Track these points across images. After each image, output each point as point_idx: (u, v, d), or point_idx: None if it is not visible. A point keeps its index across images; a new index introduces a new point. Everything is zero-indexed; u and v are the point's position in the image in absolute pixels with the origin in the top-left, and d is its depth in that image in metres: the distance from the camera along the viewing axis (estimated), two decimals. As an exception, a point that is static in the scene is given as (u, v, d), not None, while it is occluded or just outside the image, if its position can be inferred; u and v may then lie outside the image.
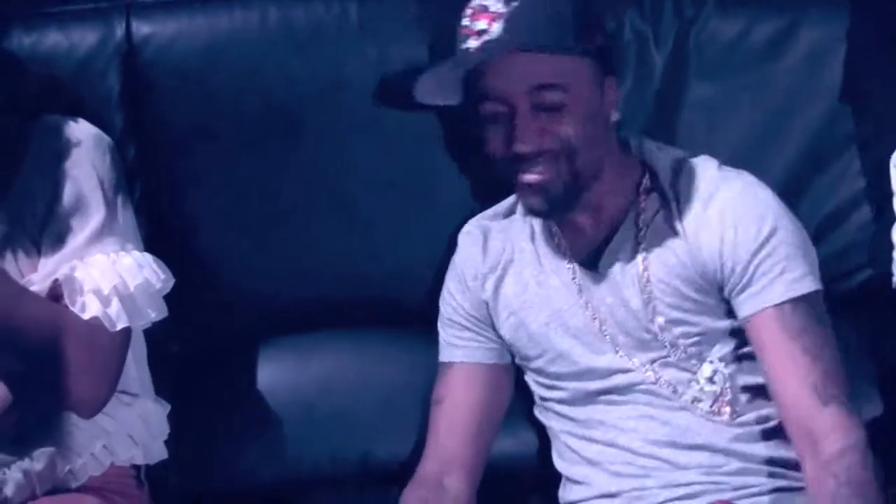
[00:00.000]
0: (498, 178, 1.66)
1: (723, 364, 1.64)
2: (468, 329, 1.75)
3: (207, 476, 1.89)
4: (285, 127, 1.86)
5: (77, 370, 1.57)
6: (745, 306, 1.60)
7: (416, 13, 1.85)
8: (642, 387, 1.65)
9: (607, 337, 1.66)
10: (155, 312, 1.62)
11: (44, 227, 1.60)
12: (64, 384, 1.58)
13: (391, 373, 1.93)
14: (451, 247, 1.83)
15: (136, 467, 1.73)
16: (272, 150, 1.87)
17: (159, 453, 1.75)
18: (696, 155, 1.71)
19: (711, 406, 1.64)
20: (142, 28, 1.84)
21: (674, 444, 1.63)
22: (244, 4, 1.86)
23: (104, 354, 1.59)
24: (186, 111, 1.85)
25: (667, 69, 1.87)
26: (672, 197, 1.64)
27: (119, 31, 1.83)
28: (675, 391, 1.64)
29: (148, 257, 1.64)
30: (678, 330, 1.63)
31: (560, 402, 1.70)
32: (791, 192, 1.82)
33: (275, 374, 1.94)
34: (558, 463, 1.73)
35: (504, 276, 1.73)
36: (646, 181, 1.66)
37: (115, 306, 1.57)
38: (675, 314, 1.63)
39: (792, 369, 1.56)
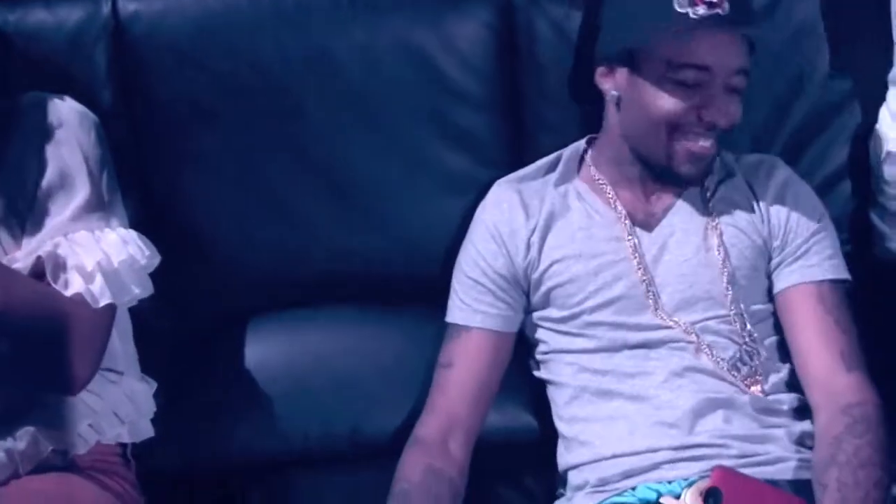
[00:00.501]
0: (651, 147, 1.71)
1: (763, 342, 1.70)
2: (491, 293, 1.76)
3: (196, 453, 1.87)
4: (278, 103, 1.85)
5: (60, 347, 1.55)
6: (792, 277, 1.71)
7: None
8: (680, 344, 1.68)
9: (655, 293, 1.70)
10: (140, 289, 1.61)
11: (31, 205, 1.59)
12: (47, 361, 1.57)
13: (381, 348, 1.92)
14: (449, 220, 1.86)
15: (123, 445, 1.73)
16: (264, 126, 1.86)
17: (146, 431, 1.74)
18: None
19: (746, 379, 1.67)
20: (128, 5, 1.83)
21: (699, 404, 1.64)
22: (234, -20, 1.85)
23: (88, 331, 1.58)
24: (177, 88, 1.84)
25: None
26: (738, 170, 1.77)
27: (105, 8, 1.82)
28: (712, 355, 1.67)
29: (133, 234, 1.63)
30: (738, 293, 1.70)
31: (587, 352, 1.71)
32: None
33: (265, 350, 1.92)
34: (560, 424, 1.74)
35: (549, 229, 1.76)
36: None
37: (98, 283, 1.56)
38: (740, 277, 1.71)
39: (822, 336, 1.66)
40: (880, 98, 1.83)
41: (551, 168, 1.82)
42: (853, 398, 1.61)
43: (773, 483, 1.55)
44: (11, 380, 1.59)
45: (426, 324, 1.86)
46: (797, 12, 1.88)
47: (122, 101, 1.83)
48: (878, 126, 1.84)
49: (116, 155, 1.70)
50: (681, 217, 1.74)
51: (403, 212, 1.91)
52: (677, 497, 1.55)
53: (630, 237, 1.73)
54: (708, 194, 1.76)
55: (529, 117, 1.90)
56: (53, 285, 1.55)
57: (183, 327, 1.95)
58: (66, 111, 1.64)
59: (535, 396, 1.83)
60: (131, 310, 1.72)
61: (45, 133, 1.61)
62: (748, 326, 1.69)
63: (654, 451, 1.62)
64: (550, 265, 1.74)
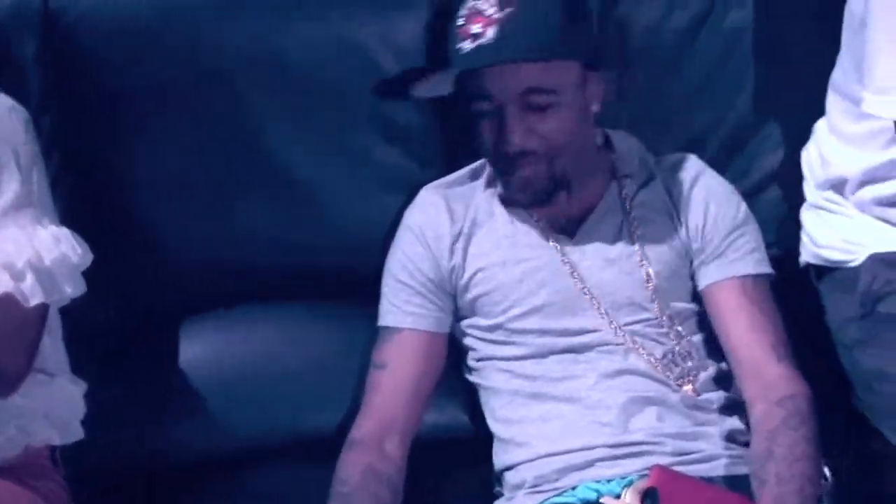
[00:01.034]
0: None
1: (693, 341, 1.73)
2: (421, 294, 1.77)
3: (128, 455, 1.85)
4: (215, 94, 1.84)
5: (-10, 348, 1.53)
6: (714, 273, 1.73)
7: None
8: (608, 347, 1.70)
9: (585, 297, 1.72)
10: (72, 288, 1.58)
11: None
12: (-24, 363, 1.53)
13: (320, 344, 1.92)
14: (387, 216, 1.86)
15: (52, 448, 1.69)
16: (202, 118, 1.85)
17: (76, 433, 1.70)
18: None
19: (678, 379, 1.70)
20: (58, -8, 1.80)
21: (631, 403, 1.66)
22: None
23: (18, 331, 1.54)
24: (111, 80, 1.81)
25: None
26: (658, 173, 1.79)
27: (35, -4, 1.79)
28: (644, 355, 1.70)
29: (65, 231, 1.60)
30: (662, 293, 1.72)
31: (516, 358, 1.73)
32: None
33: (201, 347, 1.91)
34: (496, 426, 1.75)
35: (472, 236, 1.78)
36: (621, 164, 1.79)
37: (29, 281, 1.53)
38: (663, 280, 1.73)
39: (751, 329, 1.69)
40: (815, 101, 1.85)
41: (476, 175, 1.84)
42: (786, 390, 1.64)
43: (708, 480, 1.58)
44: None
45: (364, 319, 1.84)
46: (730, 19, 1.91)
47: (51, 89, 1.80)
48: (814, 133, 1.87)
49: (46, 146, 1.67)
50: (600, 223, 1.76)
51: (341, 207, 1.91)
52: (617, 497, 1.56)
53: (553, 243, 1.75)
54: (626, 199, 1.77)
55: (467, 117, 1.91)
56: None
57: (117, 324, 1.93)
58: (-5, 105, 1.60)
59: (470, 395, 1.83)
60: (62, 306, 1.69)
61: None
62: (676, 327, 1.72)
63: (590, 448, 1.64)
64: (475, 273, 1.76)
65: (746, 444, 1.66)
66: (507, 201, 1.76)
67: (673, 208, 1.77)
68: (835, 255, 1.80)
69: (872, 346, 1.72)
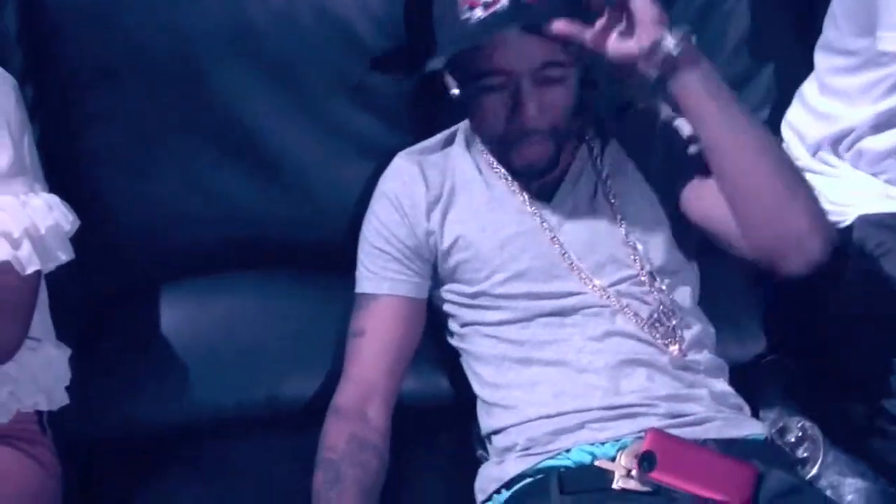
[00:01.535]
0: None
1: (675, 299, 1.74)
2: (397, 260, 1.77)
3: (110, 421, 1.85)
4: (191, 69, 1.82)
5: (-12, 315, 1.51)
6: (687, 175, 1.69)
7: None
8: (594, 310, 1.70)
9: (566, 259, 1.72)
10: (65, 255, 1.58)
11: None
12: (-27, 331, 1.52)
13: (295, 313, 1.92)
14: (361, 185, 1.85)
15: (39, 413, 1.69)
16: (177, 92, 1.83)
17: (61, 399, 1.71)
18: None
19: (664, 339, 1.70)
20: (39, -34, 1.77)
21: (620, 365, 1.67)
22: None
23: (16, 298, 1.54)
24: (89, 52, 1.79)
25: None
26: (617, 128, 1.79)
27: (16, -31, 1.76)
28: (630, 315, 1.70)
29: (56, 198, 1.60)
30: (642, 251, 1.72)
31: (501, 323, 1.73)
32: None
33: (178, 316, 1.90)
34: (483, 391, 1.75)
35: (451, 203, 1.77)
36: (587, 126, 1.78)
37: (26, 249, 1.52)
38: (641, 235, 1.73)
39: None
40: (792, 68, 1.91)
41: (448, 142, 1.84)
42: None
43: (700, 443, 1.59)
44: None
45: (336, 289, 1.85)
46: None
47: (31, 62, 1.77)
48: (800, 96, 1.93)
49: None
50: (575, 185, 1.77)
51: (315, 176, 1.91)
52: (612, 460, 1.58)
53: (532, 209, 1.75)
54: (596, 158, 1.78)
55: (442, 86, 1.91)
56: None
57: (91, 295, 1.92)
58: (-17, 74, 1.58)
59: (450, 360, 1.85)
60: (44, 274, 1.68)
61: None
62: (657, 283, 1.72)
63: (582, 411, 1.65)
64: (455, 240, 1.76)
65: (736, 407, 1.70)
66: (515, 172, 1.75)
67: (638, 157, 1.76)
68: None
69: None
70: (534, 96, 1.62)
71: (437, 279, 1.80)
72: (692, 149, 1.68)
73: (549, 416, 1.66)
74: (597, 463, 1.59)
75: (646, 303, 1.72)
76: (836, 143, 1.86)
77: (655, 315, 1.71)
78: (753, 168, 1.57)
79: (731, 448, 1.60)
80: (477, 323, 1.77)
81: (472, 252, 1.75)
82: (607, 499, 1.56)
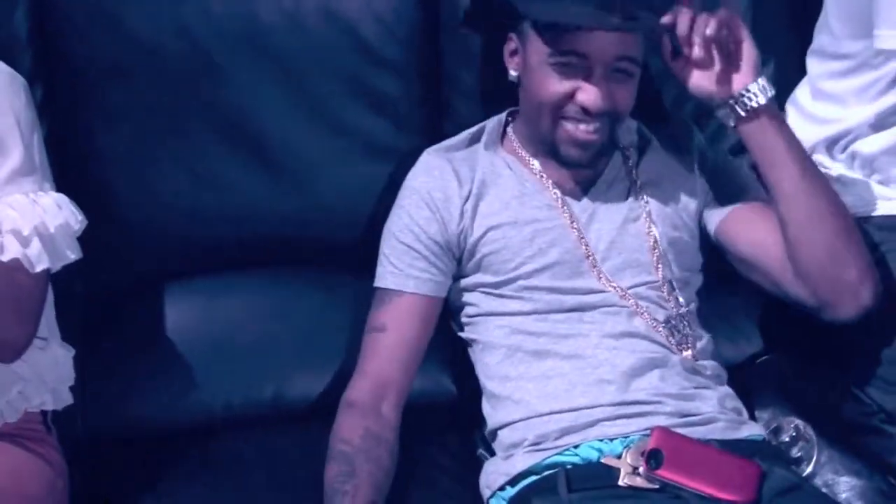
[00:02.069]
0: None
1: (690, 309, 1.78)
2: (425, 258, 1.76)
3: (115, 420, 1.86)
4: (200, 69, 1.83)
5: (-3, 313, 1.52)
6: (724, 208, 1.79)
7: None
8: (614, 308, 1.73)
9: (591, 258, 1.75)
10: (74, 254, 1.58)
11: None
12: (-17, 329, 1.52)
13: (301, 312, 1.93)
14: (368, 184, 1.88)
15: (44, 413, 1.69)
16: (185, 88, 1.84)
17: (66, 398, 1.71)
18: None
19: (679, 345, 1.73)
20: (50, -35, 1.78)
21: (634, 364, 1.69)
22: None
23: (25, 296, 1.54)
24: (98, 51, 1.80)
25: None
26: (654, 142, 1.84)
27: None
28: (648, 318, 1.73)
29: (64, 198, 1.60)
30: (665, 260, 1.76)
31: (521, 314, 1.74)
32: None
33: (184, 314, 1.91)
34: (490, 384, 1.76)
35: (481, 196, 1.78)
36: (622, 134, 1.80)
37: (35, 247, 1.52)
38: (668, 244, 1.77)
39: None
40: (784, 70, 1.93)
41: (475, 139, 1.85)
42: None
43: (704, 443, 1.61)
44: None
45: (344, 287, 1.87)
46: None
47: (41, 61, 1.79)
48: (793, 101, 1.95)
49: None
50: (606, 187, 1.80)
51: (322, 176, 1.92)
52: (618, 457, 1.60)
53: (562, 205, 1.78)
54: (631, 164, 1.81)
55: (449, 85, 1.93)
56: None
57: (98, 292, 1.92)
58: (-6, 73, 1.58)
59: (453, 358, 1.87)
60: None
61: None
62: (676, 292, 1.76)
63: (593, 407, 1.66)
64: (485, 232, 1.76)
65: (735, 411, 1.72)
66: (562, 160, 1.76)
67: (682, 170, 1.82)
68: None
69: None
70: (605, 84, 1.67)
71: (459, 272, 1.80)
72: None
73: (560, 412, 1.67)
74: (603, 460, 1.61)
75: (663, 308, 1.75)
76: (831, 146, 1.88)
77: (672, 321, 1.74)
78: (820, 220, 1.65)
79: (734, 449, 1.62)
80: (494, 313, 1.77)
81: (503, 243, 1.76)
82: (614, 496, 1.57)
